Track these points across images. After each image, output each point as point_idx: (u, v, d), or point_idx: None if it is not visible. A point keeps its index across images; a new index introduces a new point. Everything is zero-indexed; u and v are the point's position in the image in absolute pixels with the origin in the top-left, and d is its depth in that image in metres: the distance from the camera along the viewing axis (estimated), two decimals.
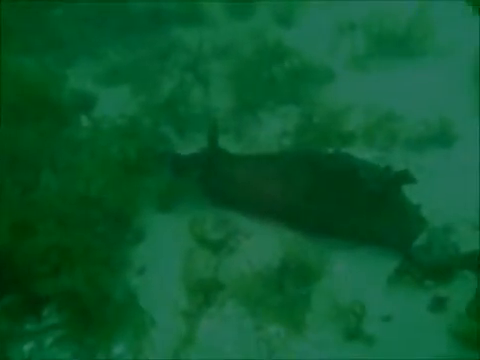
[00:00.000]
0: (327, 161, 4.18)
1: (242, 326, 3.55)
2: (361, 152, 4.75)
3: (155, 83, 6.01)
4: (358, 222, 4.02)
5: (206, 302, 3.73)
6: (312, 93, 5.49)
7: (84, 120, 5.36)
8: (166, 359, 3.41)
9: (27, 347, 3.51)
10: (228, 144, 4.99)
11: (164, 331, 3.56)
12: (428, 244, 3.87)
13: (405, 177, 4.01)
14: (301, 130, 5.03)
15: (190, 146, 4.92)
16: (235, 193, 4.38)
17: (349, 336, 3.45)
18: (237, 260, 3.99)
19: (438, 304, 3.50)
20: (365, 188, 4.02)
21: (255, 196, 4.28)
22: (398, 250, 3.92)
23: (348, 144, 4.85)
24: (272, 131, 5.16)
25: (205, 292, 3.77)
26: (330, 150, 4.42)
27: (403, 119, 5.05)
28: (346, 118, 5.10)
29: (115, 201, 4.22)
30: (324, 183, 4.10)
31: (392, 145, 4.84)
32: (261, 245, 4.08)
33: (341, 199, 4.05)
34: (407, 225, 3.99)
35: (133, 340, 3.54)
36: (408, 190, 4.02)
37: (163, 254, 4.08)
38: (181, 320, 3.63)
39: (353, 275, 3.81)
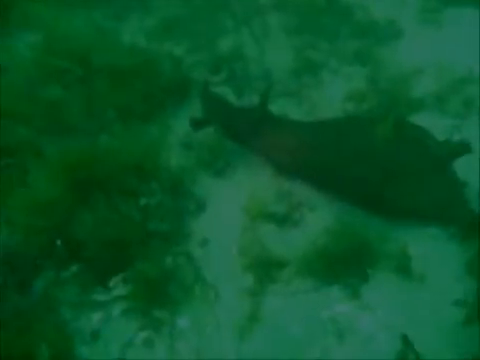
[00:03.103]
0: (384, 127, 3.94)
1: (308, 304, 3.51)
2: (432, 119, 4.48)
3: (211, 38, 5.77)
4: (417, 192, 3.81)
5: (269, 278, 3.69)
6: (378, 52, 5.14)
7: None
8: (230, 335, 3.42)
9: (96, 317, 3.60)
10: (289, 109, 4.83)
11: (227, 307, 3.56)
12: None
13: (465, 148, 3.79)
14: (366, 94, 4.75)
15: None
16: (282, 159, 4.18)
17: None
18: (301, 234, 3.90)
19: None
20: (428, 154, 3.82)
21: (303, 163, 4.09)
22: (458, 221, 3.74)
23: (418, 110, 4.55)
24: (335, 94, 4.90)
25: (268, 267, 3.72)
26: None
27: None
28: (416, 81, 4.77)
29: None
30: (381, 150, 3.89)
31: (468, 112, 4.50)
32: (324, 219, 3.96)
33: (400, 166, 3.85)
34: (458, 199, 3.80)
35: (197, 314, 3.56)
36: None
37: (224, 225, 4.02)
38: (244, 296, 3.61)
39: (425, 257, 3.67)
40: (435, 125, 4.29)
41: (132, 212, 3.85)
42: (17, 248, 3.69)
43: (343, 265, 3.62)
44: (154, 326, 3.52)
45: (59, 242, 3.71)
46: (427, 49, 5.09)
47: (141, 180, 3.97)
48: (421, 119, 4.41)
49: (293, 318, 3.44)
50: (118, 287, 3.68)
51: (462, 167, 3.90)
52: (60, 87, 4.68)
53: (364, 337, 3.30)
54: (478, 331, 3.24)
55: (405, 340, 3.26)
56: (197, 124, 4.46)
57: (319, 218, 3.98)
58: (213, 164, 4.42)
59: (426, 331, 3.28)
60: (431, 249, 3.68)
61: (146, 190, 3.96)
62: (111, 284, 3.69)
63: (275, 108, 4.65)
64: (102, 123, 4.58)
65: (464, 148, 3.85)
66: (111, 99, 4.80)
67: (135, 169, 4.01)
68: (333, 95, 4.91)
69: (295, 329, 3.39)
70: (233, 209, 4.08)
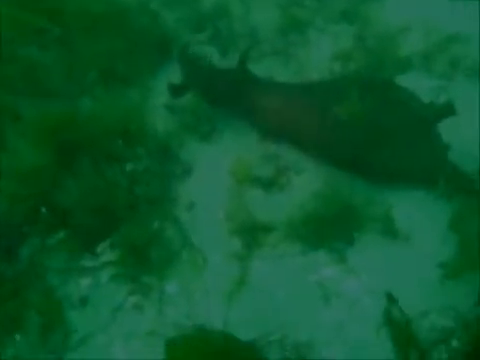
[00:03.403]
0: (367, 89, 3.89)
1: (295, 268, 3.55)
2: (419, 79, 4.44)
3: None
4: (401, 155, 3.81)
5: (256, 242, 3.71)
6: (365, 10, 5.03)
7: None
8: (218, 300, 3.46)
9: (84, 283, 3.61)
10: (276, 68, 4.74)
11: (215, 271, 3.58)
12: None
13: (449, 109, 3.74)
14: (353, 54, 4.67)
15: None
16: (266, 121, 4.14)
17: None
18: (287, 198, 3.90)
19: None
20: (413, 117, 3.80)
21: (289, 126, 4.06)
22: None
23: (405, 70, 4.50)
24: (322, 53, 4.81)
25: (255, 232, 3.74)
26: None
27: (469, 42, 4.60)
28: (403, 39, 4.70)
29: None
30: (366, 112, 3.83)
31: (454, 72, 4.46)
32: (310, 182, 3.95)
33: (385, 128, 3.82)
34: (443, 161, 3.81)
35: (185, 279, 3.59)
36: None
37: (210, 189, 4.00)
38: (232, 260, 3.63)
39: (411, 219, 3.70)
40: (421, 85, 4.27)
41: (118, 177, 3.81)
42: (1, 216, 3.64)
43: (329, 229, 3.65)
44: (143, 291, 3.55)
45: (44, 209, 3.67)
46: (414, 7, 4.98)
47: (127, 145, 3.91)
48: (408, 79, 4.37)
49: (280, 282, 3.49)
50: (106, 253, 3.68)
51: (446, 129, 3.87)
52: (37, 47, 4.51)
53: (350, 300, 3.37)
54: (461, 289, 3.32)
55: (390, 298, 3.34)
56: (176, 90, 4.36)
57: (305, 182, 3.97)
58: (198, 128, 4.36)
59: (411, 293, 3.35)
60: (417, 211, 3.71)
61: (132, 155, 3.90)
62: (98, 250, 3.69)
63: (262, 67, 4.59)
64: (83, 86, 4.46)
65: (449, 110, 3.81)
66: (91, 60, 4.65)
67: (120, 134, 3.94)
68: (320, 54, 4.82)
69: (282, 293, 3.44)
70: (219, 173, 4.06)
